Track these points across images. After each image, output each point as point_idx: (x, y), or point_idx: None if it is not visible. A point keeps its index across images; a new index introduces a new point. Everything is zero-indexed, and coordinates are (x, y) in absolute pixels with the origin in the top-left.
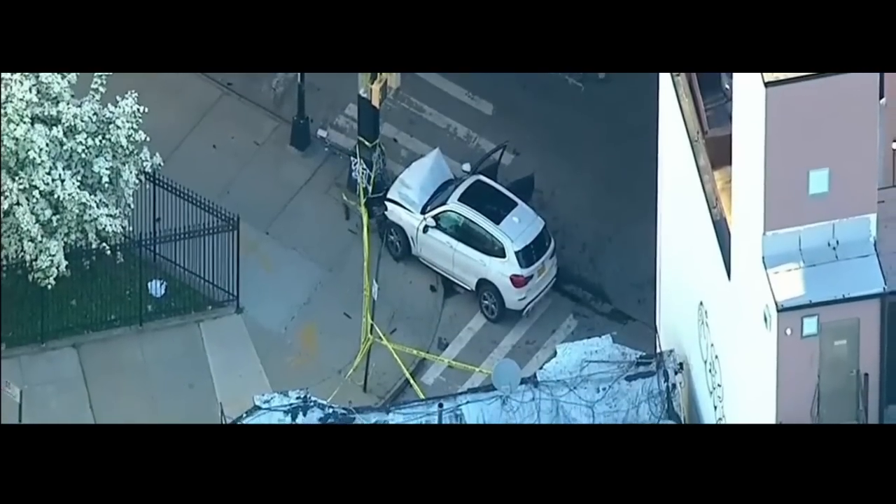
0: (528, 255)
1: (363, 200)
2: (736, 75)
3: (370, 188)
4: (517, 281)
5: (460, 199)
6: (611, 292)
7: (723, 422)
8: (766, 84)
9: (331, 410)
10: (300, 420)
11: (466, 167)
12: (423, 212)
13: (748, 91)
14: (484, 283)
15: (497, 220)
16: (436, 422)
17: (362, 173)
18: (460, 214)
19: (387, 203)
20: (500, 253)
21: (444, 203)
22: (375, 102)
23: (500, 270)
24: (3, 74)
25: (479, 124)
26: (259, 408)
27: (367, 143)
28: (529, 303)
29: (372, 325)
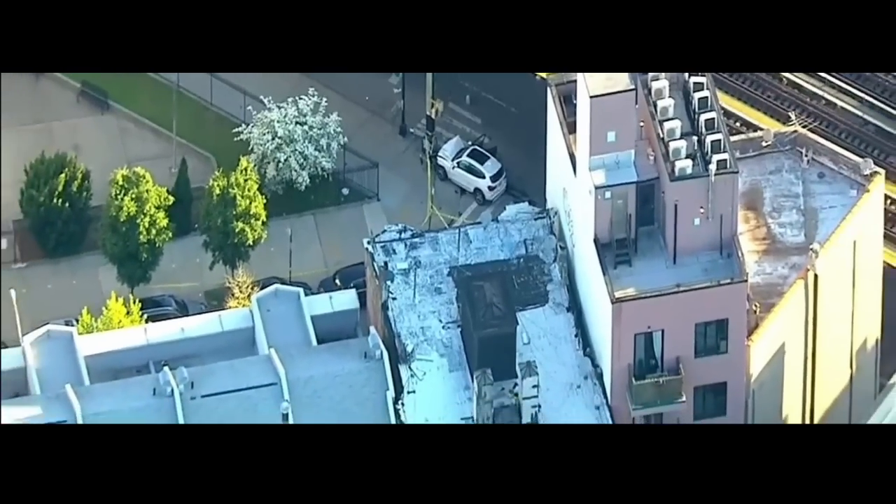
0: (494, 178)
1: (429, 157)
2: (578, 92)
3: (431, 152)
4: (490, 188)
5: (467, 156)
6: (529, 192)
7: (573, 237)
8: (591, 97)
9: (416, 231)
10: (403, 236)
11: (469, 143)
12: (452, 160)
13: (584, 100)
14: (477, 190)
15: (482, 163)
16: (457, 237)
17: (428, 147)
18: (467, 161)
19: (437, 158)
20: (483, 177)
21: (460, 158)
22: (433, 117)
23: (484, 184)
24: (281, 104)
25: (475, 127)
26: (386, 230)
27: (429, 133)
28: (496, 196)
29: (432, 206)
